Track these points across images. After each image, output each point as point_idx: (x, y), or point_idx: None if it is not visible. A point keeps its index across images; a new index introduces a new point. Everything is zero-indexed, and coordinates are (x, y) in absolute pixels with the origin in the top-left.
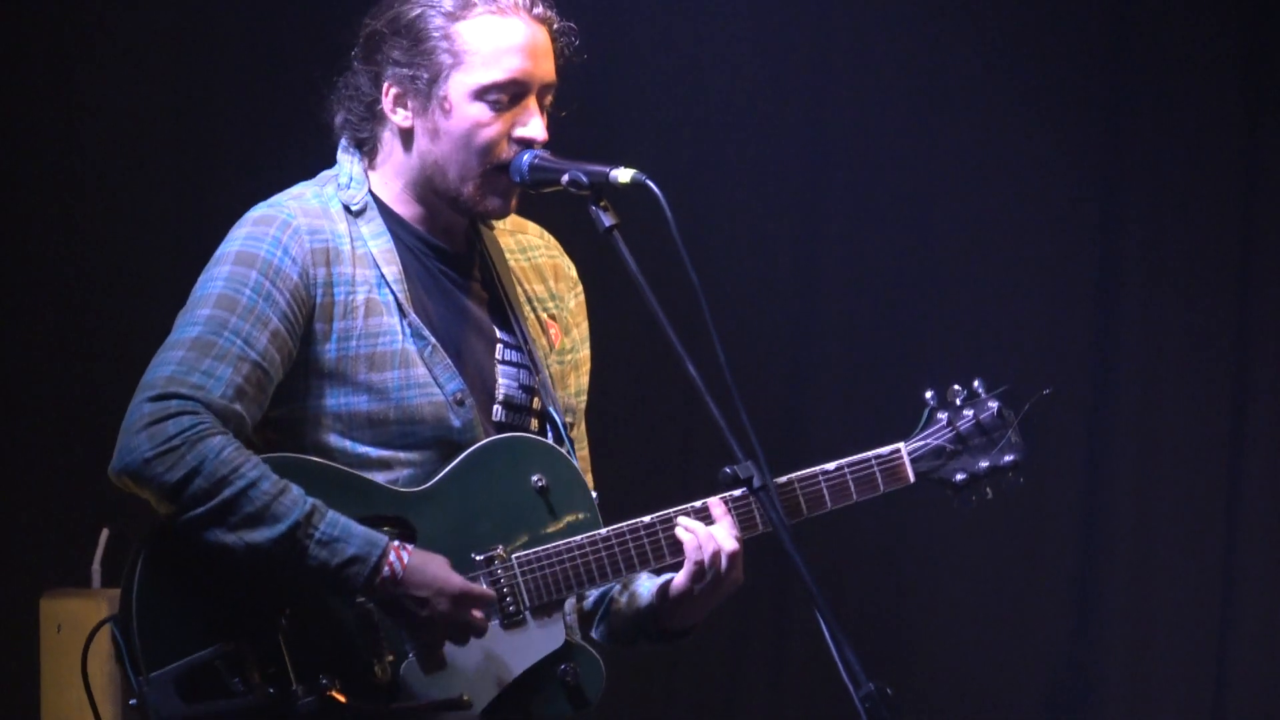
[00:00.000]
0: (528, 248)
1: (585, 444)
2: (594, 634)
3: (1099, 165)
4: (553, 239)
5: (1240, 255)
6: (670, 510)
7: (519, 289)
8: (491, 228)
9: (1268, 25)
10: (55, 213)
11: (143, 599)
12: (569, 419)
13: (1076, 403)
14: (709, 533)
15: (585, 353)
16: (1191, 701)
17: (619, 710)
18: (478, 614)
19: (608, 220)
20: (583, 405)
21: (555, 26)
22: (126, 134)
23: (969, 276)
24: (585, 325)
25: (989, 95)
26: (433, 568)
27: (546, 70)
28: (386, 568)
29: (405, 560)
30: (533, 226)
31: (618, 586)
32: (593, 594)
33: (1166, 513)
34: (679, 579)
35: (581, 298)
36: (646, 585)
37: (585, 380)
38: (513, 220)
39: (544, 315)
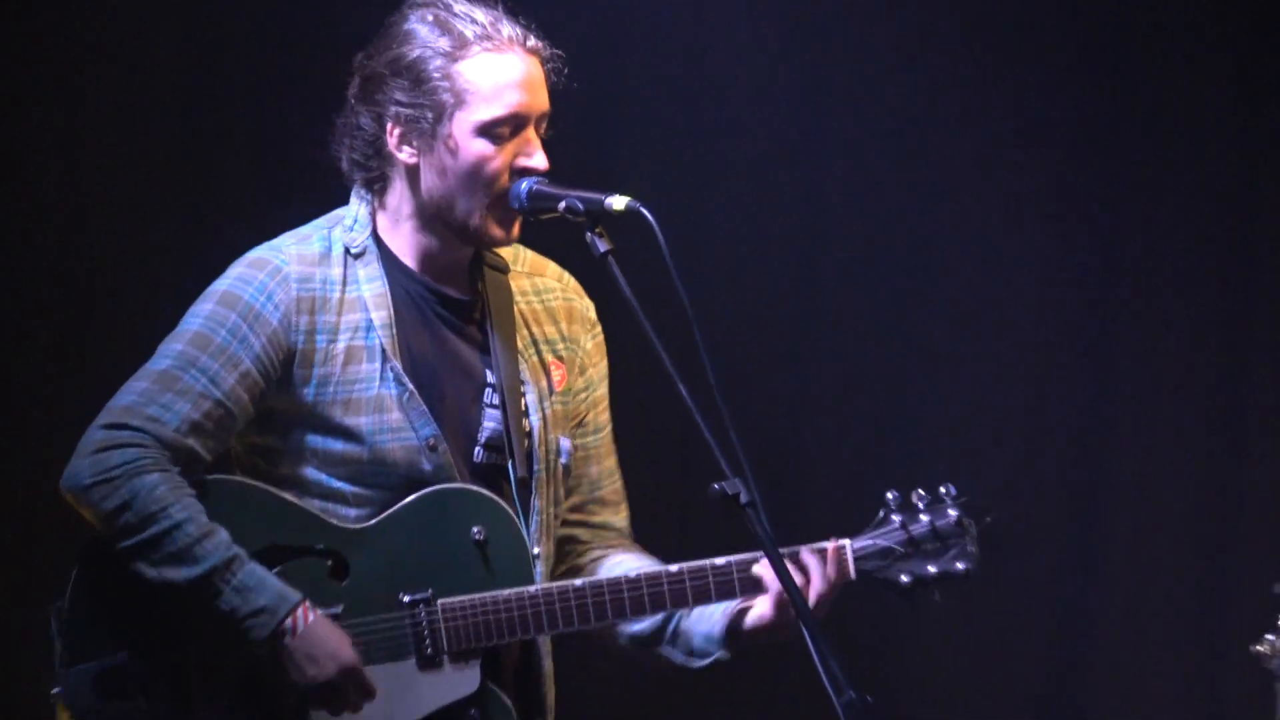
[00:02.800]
0: (542, 290)
1: (617, 478)
2: (663, 650)
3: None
4: (572, 281)
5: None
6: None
7: (525, 331)
8: (505, 270)
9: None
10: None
11: (75, 600)
12: (575, 455)
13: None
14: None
15: (602, 392)
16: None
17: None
18: (356, 696)
19: (602, 246)
20: (605, 439)
21: (546, 55)
22: (144, 155)
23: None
24: (604, 365)
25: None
26: (333, 637)
27: (542, 101)
28: (290, 622)
29: (309, 620)
30: (552, 268)
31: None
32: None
33: (1160, 522)
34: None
35: (600, 339)
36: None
37: (604, 416)
38: (531, 263)
39: (549, 357)
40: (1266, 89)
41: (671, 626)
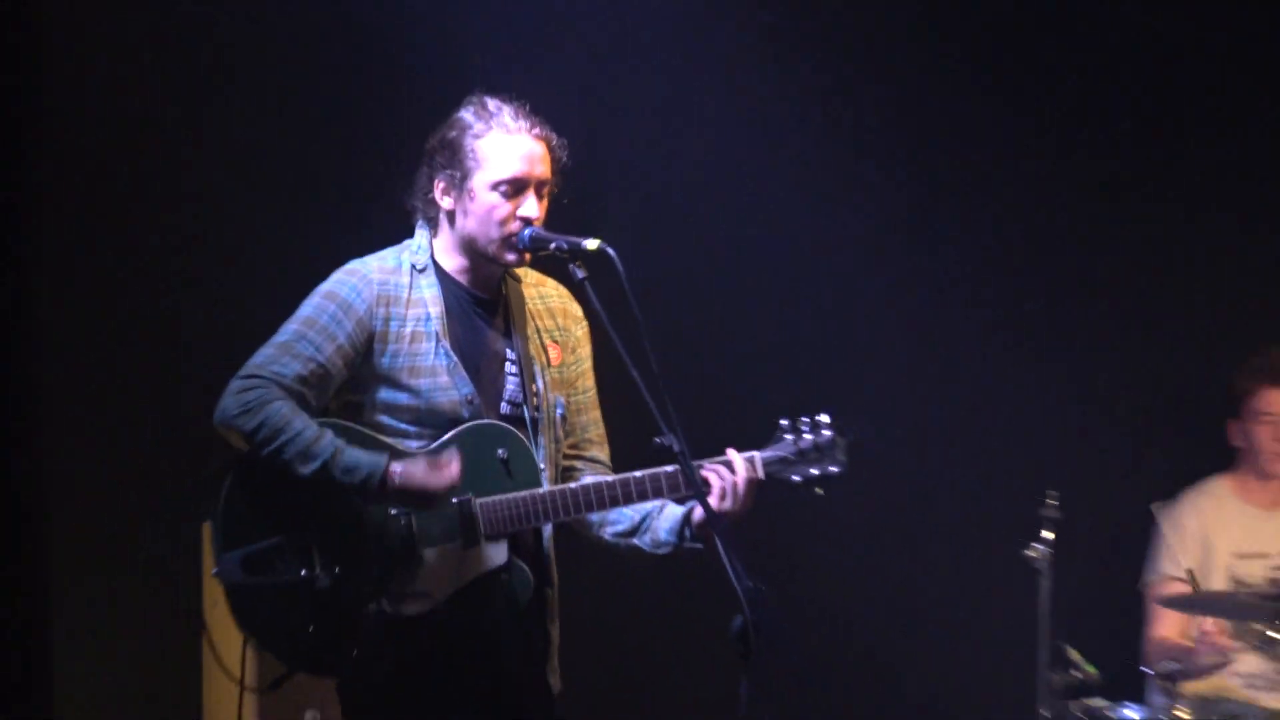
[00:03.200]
0: (545, 296)
1: (600, 424)
2: (638, 541)
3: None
4: (565, 290)
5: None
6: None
7: (533, 324)
8: (520, 281)
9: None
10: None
11: (226, 504)
12: (569, 408)
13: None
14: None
15: (588, 365)
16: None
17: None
18: (446, 470)
19: (580, 274)
20: (590, 397)
21: (552, 142)
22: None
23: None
24: (588, 348)
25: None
26: (417, 473)
27: (540, 171)
28: (386, 474)
29: (398, 469)
30: (552, 281)
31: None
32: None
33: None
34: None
35: (585, 329)
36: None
37: (589, 381)
38: (537, 277)
39: (549, 341)
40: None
41: (643, 524)
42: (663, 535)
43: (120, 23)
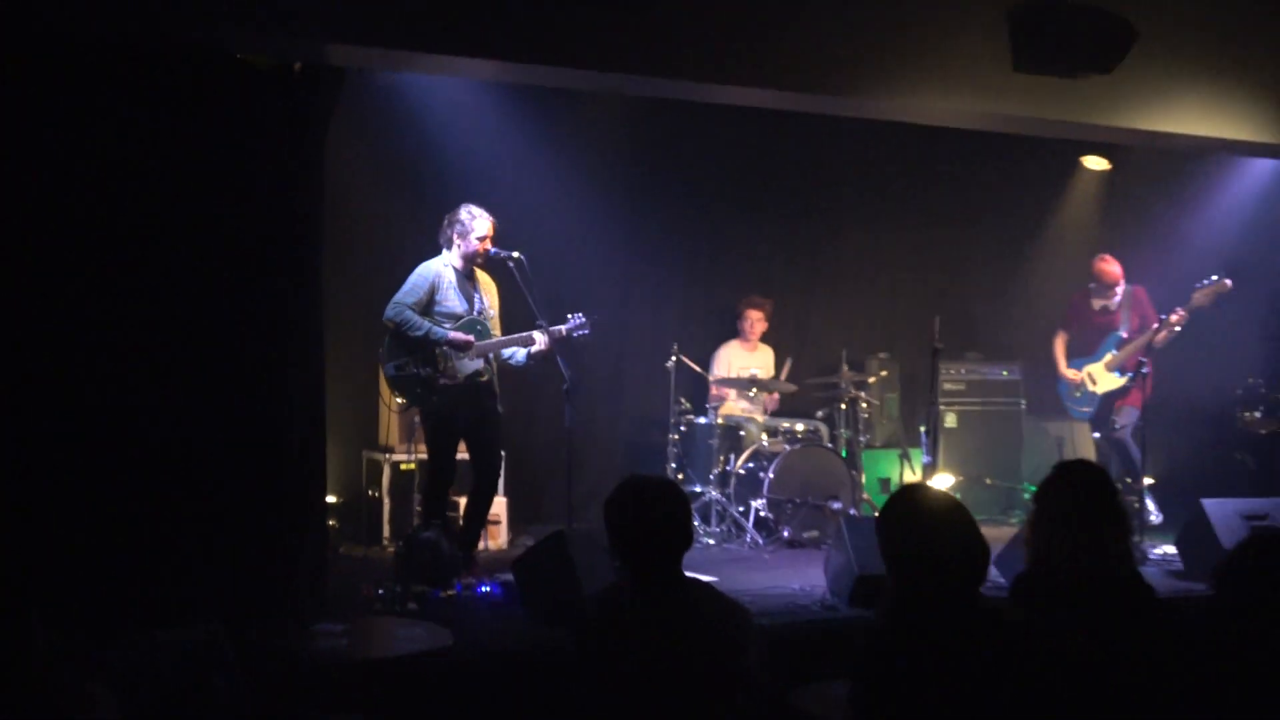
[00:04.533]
0: (485, 279)
1: (499, 329)
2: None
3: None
4: (489, 277)
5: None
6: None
7: (482, 286)
8: (479, 267)
9: None
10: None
11: (390, 345)
12: (492, 320)
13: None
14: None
15: (497, 303)
16: None
17: None
18: (467, 338)
19: (511, 264)
20: (497, 319)
21: (495, 221)
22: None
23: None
24: (497, 300)
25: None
26: (458, 333)
27: (492, 233)
28: (451, 335)
29: (450, 333)
30: (485, 273)
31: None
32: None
33: None
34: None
35: (494, 290)
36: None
37: (497, 314)
38: (483, 270)
39: (488, 295)
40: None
41: (511, 355)
42: (522, 359)
43: None
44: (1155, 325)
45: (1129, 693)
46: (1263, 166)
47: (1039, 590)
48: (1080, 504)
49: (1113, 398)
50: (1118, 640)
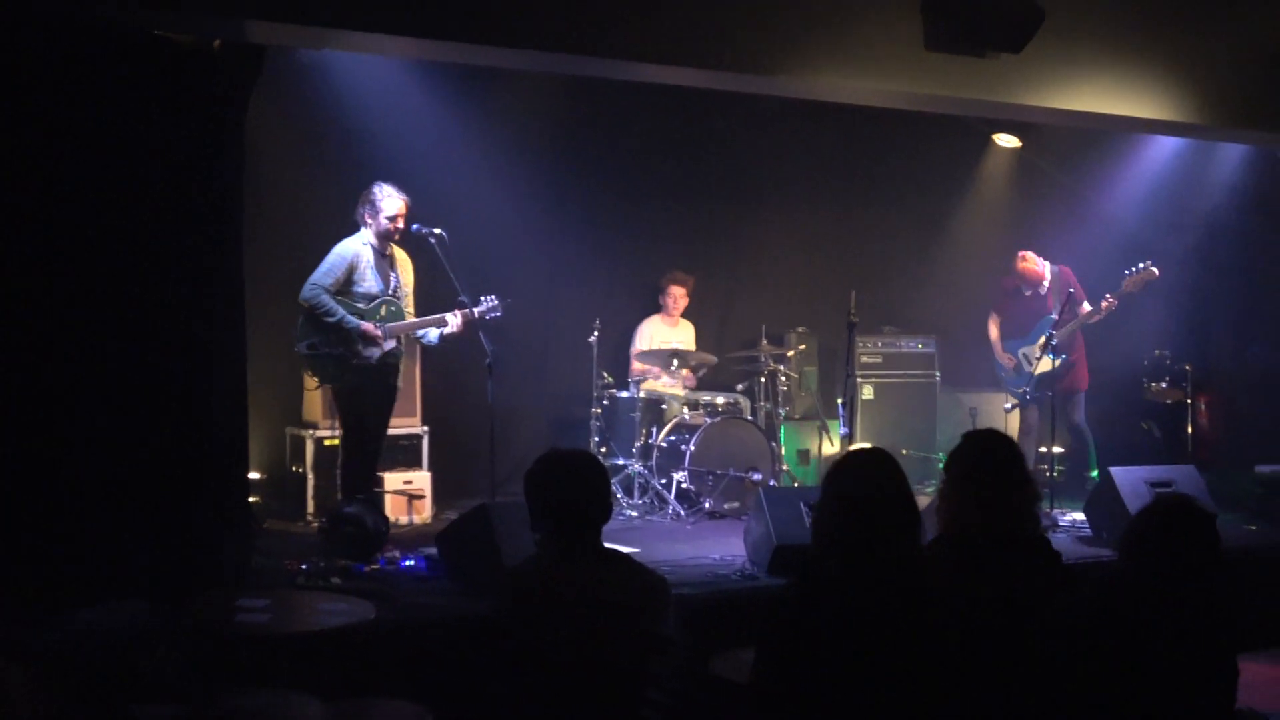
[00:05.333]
0: (399, 254)
1: (414, 307)
2: (434, 339)
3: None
4: (405, 254)
5: None
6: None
7: (399, 264)
8: (396, 244)
9: None
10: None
11: (302, 327)
12: (407, 298)
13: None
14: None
15: (412, 281)
16: None
17: None
18: (376, 333)
19: (433, 240)
20: (411, 297)
21: (407, 199)
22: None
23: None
24: (412, 278)
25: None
26: (369, 325)
27: (404, 211)
28: (361, 326)
29: (362, 324)
30: (401, 249)
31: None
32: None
33: None
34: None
35: (410, 267)
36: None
37: (412, 291)
38: (398, 247)
39: (404, 273)
40: None
41: (424, 334)
42: (435, 339)
43: None
44: (1087, 309)
45: (1036, 653)
46: (1168, 144)
47: (951, 555)
48: (987, 469)
49: (1050, 378)
50: (1025, 604)
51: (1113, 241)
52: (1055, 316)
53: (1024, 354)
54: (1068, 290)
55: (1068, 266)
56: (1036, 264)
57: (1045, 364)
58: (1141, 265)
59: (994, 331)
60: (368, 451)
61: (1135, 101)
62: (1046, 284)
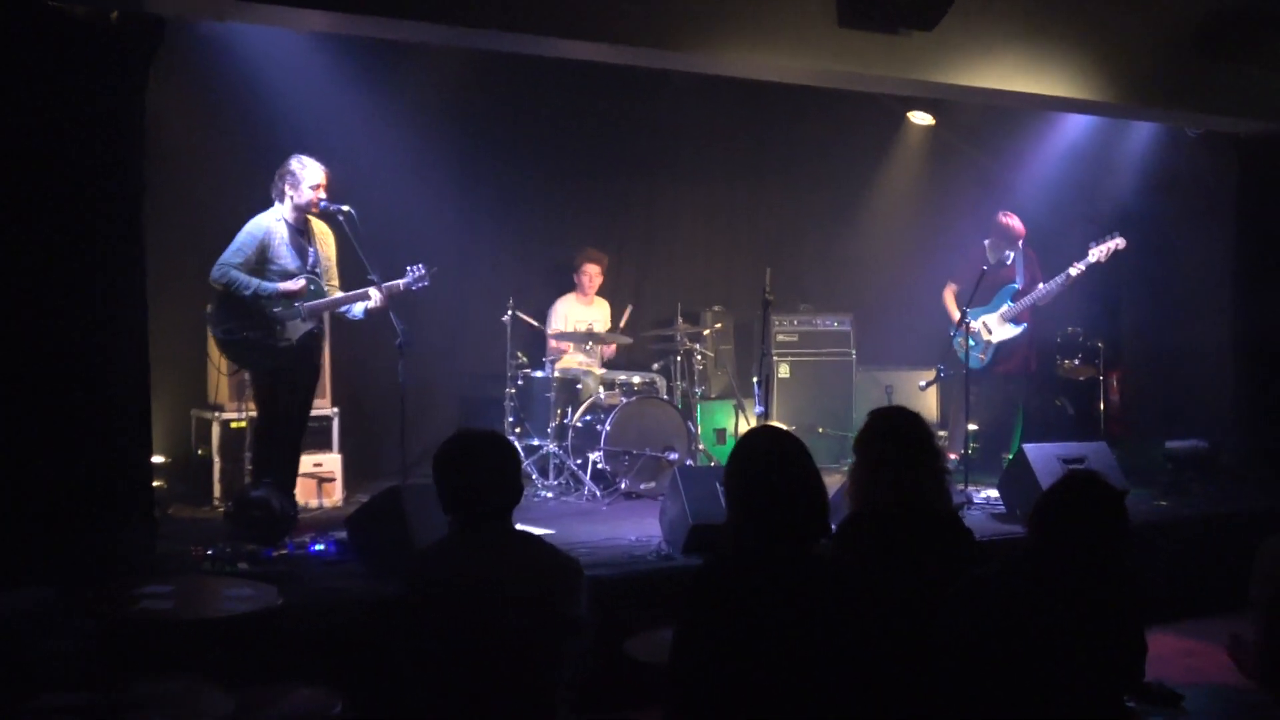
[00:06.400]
0: (319, 227)
1: (336, 276)
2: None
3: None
4: (326, 226)
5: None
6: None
7: (316, 237)
8: (311, 215)
9: None
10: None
11: (216, 307)
12: (329, 273)
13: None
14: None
15: (334, 257)
16: None
17: None
18: (299, 286)
19: (341, 218)
20: (333, 268)
21: (328, 170)
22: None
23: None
24: (334, 250)
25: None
26: (286, 285)
27: (326, 181)
28: (279, 290)
29: (280, 285)
30: (322, 224)
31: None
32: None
33: None
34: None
35: (331, 239)
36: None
37: (334, 263)
38: (318, 220)
39: (321, 247)
40: None
41: (349, 309)
42: (360, 314)
43: None
44: (1076, 270)
45: (945, 629)
46: (1080, 122)
47: (862, 534)
48: (893, 447)
49: (1007, 347)
50: (936, 581)
51: (1027, 219)
52: (1019, 286)
53: (984, 322)
54: (1030, 269)
55: (1033, 249)
56: (1017, 221)
57: (1005, 331)
58: (1109, 236)
59: (950, 298)
60: (281, 435)
61: (1047, 79)
62: (1015, 255)
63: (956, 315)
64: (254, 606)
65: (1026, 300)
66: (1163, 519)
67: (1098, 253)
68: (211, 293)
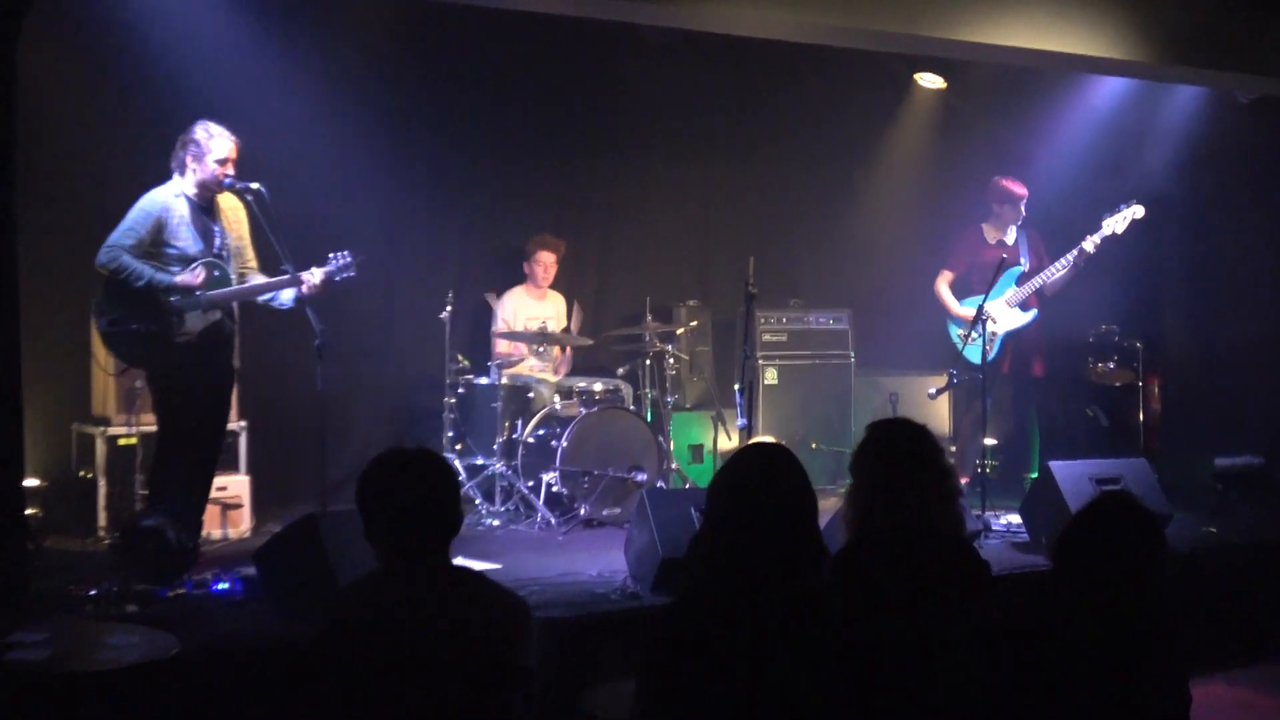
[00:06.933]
0: (227, 203)
1: (253, 258)
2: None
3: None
4: (237, 202)
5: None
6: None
7: (224, 216)
8: (217, 193)
9: None
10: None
11: (102, 296)
12: (243, 255)
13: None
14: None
15: (247, 237)
16: None
17: None
18: (198, 277)
19: (250, 197)
20: (246, 246)
21: (239, 143)
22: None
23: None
24: (246, 228)
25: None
26: (186, 275)
27: (234, 155)
28: (175, 282)
29: (177, 278)
30: (230, 197)
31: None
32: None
33: None
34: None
35: (243, 215)
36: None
37: (248, 242)
38: (226, 197)
39: (230, 224)
40: None
41: (274, 297)
42: (288, 302)
43: None
44: (1086, 248)
45: (956, 678)
46: (1112, 86)
47: (860, 566)
48: (898, 464)
49: (1016, 341)
50: (945, 622)
51: (1050, 200)
52: (1025, 269)
53: (988, 310)
54: (1035, 252)
55: (1037, 231)
56: (1019, 185)
57: (1013, 318)
58: (1125, 205)
59: (944, 289)
60: (189, 453)
61: (1074, 36)
62: (1015, 234)
63: (955, 308)
64: (145, 656)
65: (1035, 282)
66: (1210, 547)
67: (1113, 223)
68: (98, 280)
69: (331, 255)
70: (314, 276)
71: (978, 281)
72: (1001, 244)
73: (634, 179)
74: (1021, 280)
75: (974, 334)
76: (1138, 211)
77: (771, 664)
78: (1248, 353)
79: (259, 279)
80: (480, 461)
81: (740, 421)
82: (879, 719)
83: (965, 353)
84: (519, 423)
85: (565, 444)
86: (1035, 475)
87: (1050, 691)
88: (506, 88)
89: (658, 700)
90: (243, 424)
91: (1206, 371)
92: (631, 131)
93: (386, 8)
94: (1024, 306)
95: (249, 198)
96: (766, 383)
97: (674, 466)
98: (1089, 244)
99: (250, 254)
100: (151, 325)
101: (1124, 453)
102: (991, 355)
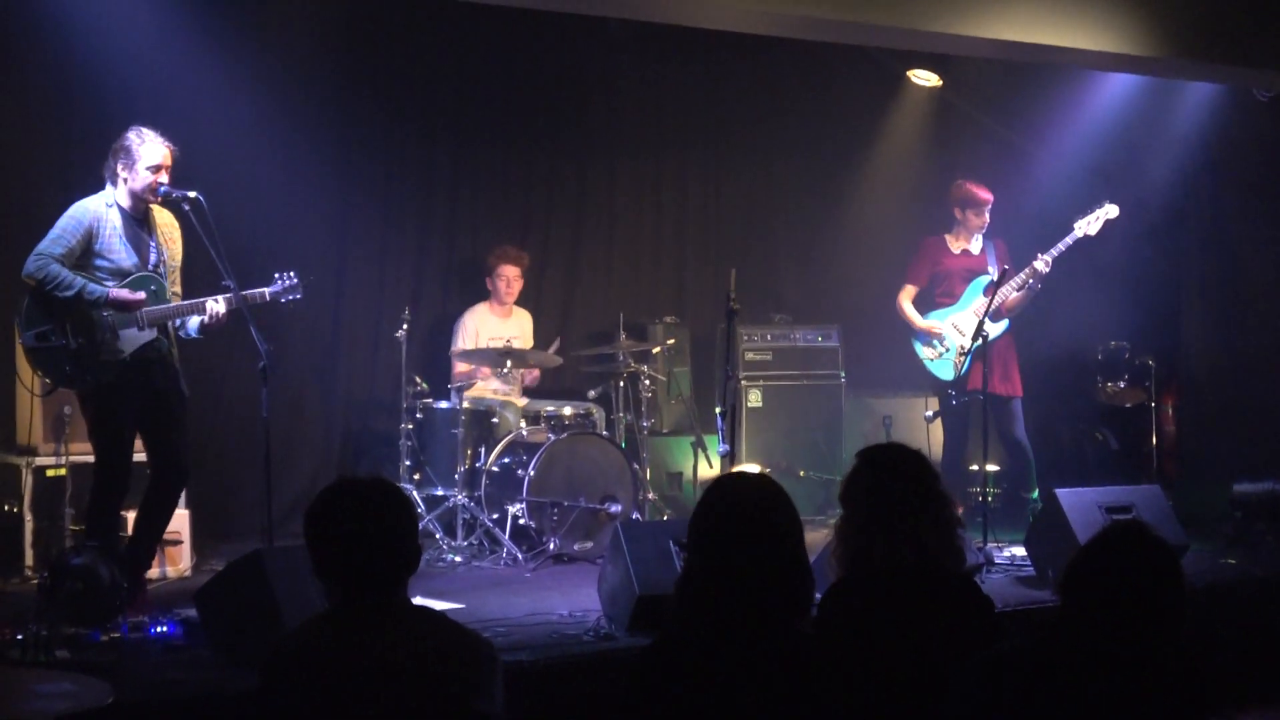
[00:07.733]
0: (164, 220)
1: (180, 287)
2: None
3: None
4: (172, 217)
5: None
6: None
7: (159, 231)
8: (151, 205)
9: None
10: None
11: (27, 309)
12: (173, 274)
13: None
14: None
15: (180, 256)
16: None
17: None
18: (136, 295)
19: (187, 207)
20: (178, 268)
21: (173, 150)
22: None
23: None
24: (180, 249)
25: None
26: (122, 291)
27: (167, 162)
28: (110, 296)
29: (114, 293)
30: (167, 213)
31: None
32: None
33: None
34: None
35: (177, 234)
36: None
37: (179, 267)
38: (160, 209)
39: (164, 240)
40: None
41: (184, 324)
42: (193, 331)
43: None
44: (1039, 266)
45: None
46: (1119, 84)
47: (852, 605)
48: (890, 494)
49: (987, 355)
50: (943, 664)
51: (1053, 207)
52: (994, 277)
53: (954, 323)
54: (1003, 265)
55: (1002, 240)
56: (983, 190)
57: (988, 329)
58: (1099, 205)
59: (906, 304)
60: (117, 481)
61: (1078, 29)
62: (980, 243)
63: (919, 322)
64: (76, 705)
65: (997, 298)
66: (1230, 580)
67: (1084, 225)
68: (24, 292)
69: (277, 275)
70: (213, 311)
71: (941, 294)
72: (966, 253)
73: (603, 184)
74: (989, 291)
75: (941, 349)
76: (1111, 211)
77: (758, 712)
78: (1269, 371)
79: (173, 305)
80: (440, 492)
81: (722, 448)
82: None
83: (932, 369)
84: (482, 450)
85: (532, 473)
86: (1035, 495)
87: None
88: (465, 84)
89: None
90: (185, 451)
91: (1225, 391)
92: (600, 133)
93: (335, 2)
94: (993, 317)
95: (186, 207)
96: (750, 405)
97: (650, 497)
98: (1041, 262)
99: (178, 278)
100: (80, 339)
101: (1136, 479)
102: (963, 370)
